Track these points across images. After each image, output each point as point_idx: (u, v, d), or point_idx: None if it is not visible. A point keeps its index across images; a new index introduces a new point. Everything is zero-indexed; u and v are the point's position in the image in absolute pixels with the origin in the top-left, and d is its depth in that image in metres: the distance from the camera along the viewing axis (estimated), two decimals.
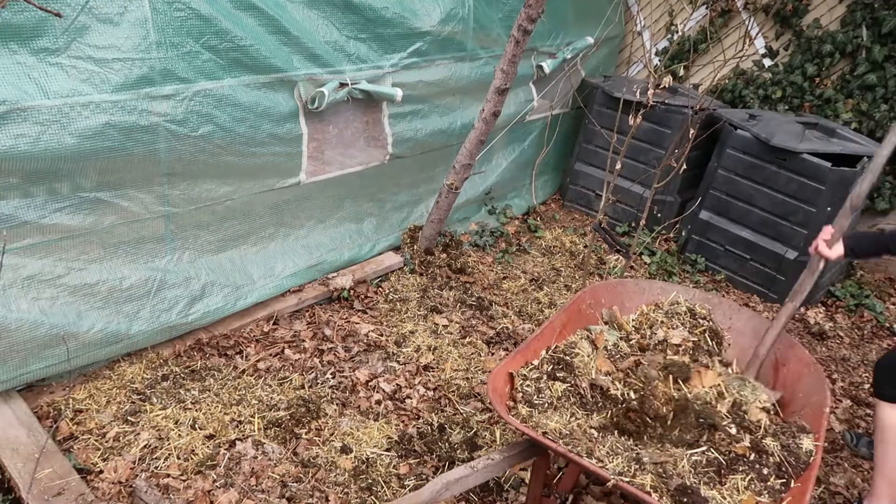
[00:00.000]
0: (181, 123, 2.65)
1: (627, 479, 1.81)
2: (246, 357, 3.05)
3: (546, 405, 2.06)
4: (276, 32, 2.92)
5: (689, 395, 2.08)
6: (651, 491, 1.78)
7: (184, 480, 2.39)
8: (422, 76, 3.66)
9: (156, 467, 2.42)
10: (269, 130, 3.00)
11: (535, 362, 2.22)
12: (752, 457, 1.95)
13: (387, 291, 3.67)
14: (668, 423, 2.01)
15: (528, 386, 2.11)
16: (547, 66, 4.47)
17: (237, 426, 2.65)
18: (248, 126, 2.91)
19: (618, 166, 3.57)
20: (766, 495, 1.86)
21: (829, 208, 3.77)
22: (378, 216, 3.90)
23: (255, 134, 2.95)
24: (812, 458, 1.94)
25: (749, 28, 4.79)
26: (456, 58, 3.83)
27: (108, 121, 2.41)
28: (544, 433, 1.94)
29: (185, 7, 2.56)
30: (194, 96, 2.67)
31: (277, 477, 2.45)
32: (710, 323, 2.49)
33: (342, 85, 3.21)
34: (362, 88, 3.29)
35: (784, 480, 1.90)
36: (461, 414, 2.88)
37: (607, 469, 1.84)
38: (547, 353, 2.27)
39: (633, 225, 4.63)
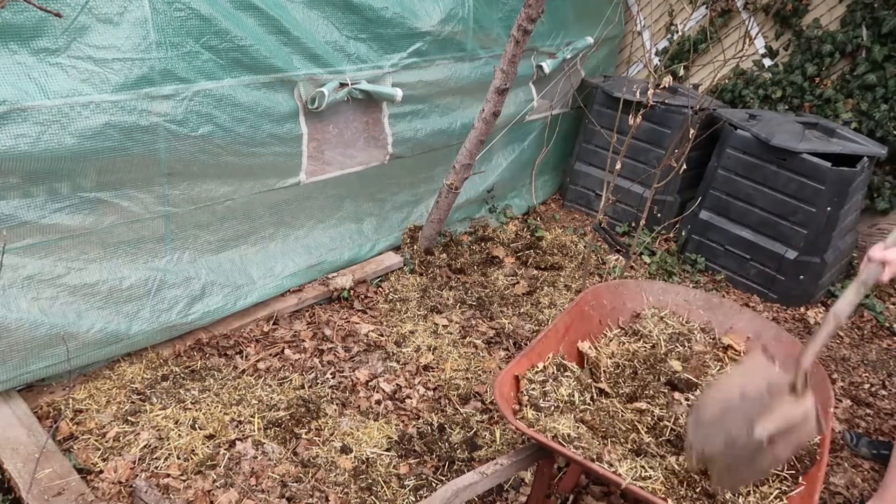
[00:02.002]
0: (181, 123, 2.65)
1: (640, 485, 1.80)
2: (246, 357, 3.05)
3: (552, 408, 2.06)
4: (276, 32, 2.92)
5: None
6: (665, 497, 1.78)
7: (184, 480, 2.39)
8: (422, 76, 3.66)
9: (156, 467, 2.42)
10: (269, 130, 3.00)
11: (541, 365, 2.21)
12: None
13: (387, 291, 3.67)
14: None
15: (533, 389, 2.10)
16: (547, 66, 4.47)
17: (237, 426, 2.65)
18: (248, 126, 2.91)
19: (618, 166, 3.57)
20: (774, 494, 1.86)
21: (828, 208, 3.77)
22: (378, 216, 3.90)
23: (255, 134, 2.95)
24: (819, 454, 1.94)
25: (749, 28, 4.79)
26: (456, 58, 3.83)
27: (108, 121, 2.41)
28: (554, 437, 1.93)
29: (185, 7, 2.55)
30: (194, 96, 2.67)
31: (277, 477, 2.45)
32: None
33: (342, 85, 3.21)
34: (362, 88, 3.29)
35: (791, 474, 1.91)
36: (461, 414, 2.88)
37: (619, 474, 1.83)
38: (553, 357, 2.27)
39: (633, 225, 4.63)
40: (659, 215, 4.41)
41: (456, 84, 3.88)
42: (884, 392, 3.39)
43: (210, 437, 2.59)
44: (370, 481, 2.48)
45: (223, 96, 2.77)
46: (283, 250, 3.38)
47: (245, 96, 2.85)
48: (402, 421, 2.83)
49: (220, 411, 2.69)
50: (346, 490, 2.43)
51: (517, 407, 2.07)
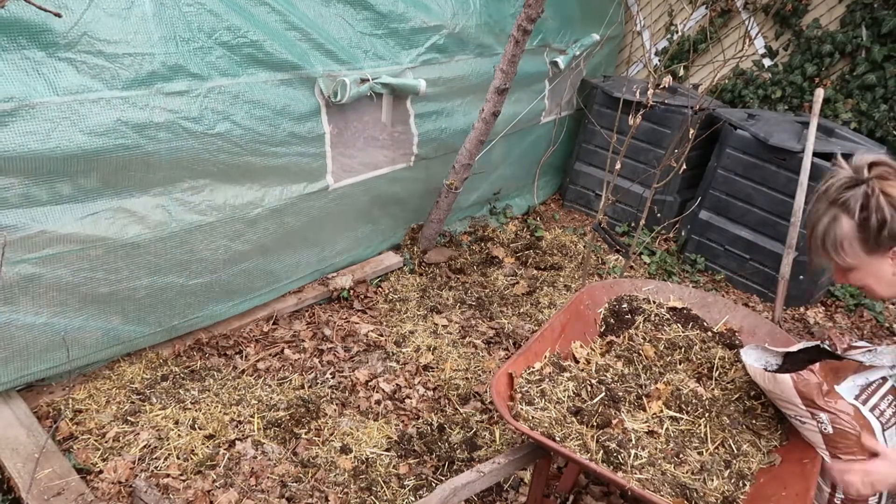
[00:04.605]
0: (196, 121, 2.60)
1: (640, 486, 1.80)
2: (245, 357, 3.05)
3: (550, 407, 2.06)
4: (291, 29, 2.92)
5: None
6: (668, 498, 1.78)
7: (183, 480, 2.39)
8: (442, 72, 3.65)
9: (155, 467, 2.42)
10: (289, 129, 2.95)
11: (538, 365, 2.22)
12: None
13: (386, 291, 3.67)
14: None
15: (529, 388, 2.11)
16: (561, 61, 4.49)
17: (237, 426, 2.65)
18: (269, 125, 2.86)
19: (617, 166, 3.57)
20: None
21: None
22: (395, 217, 3.87)
23: (275, 133, 2.89)
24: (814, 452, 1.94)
25: (749, 28, 4.80)
26: (476, 53, 3.84)
27: (120, 117, 2.37)
28: (551, 436, 1.93)
29: (197, 3, 2.56)
30: (209, 93, 2.63)
31: (277, 477, 2.45)
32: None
33: (363, 80, 3.20)
34: (384, 82, 3.27)
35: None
36: (461, 414, 2.88)
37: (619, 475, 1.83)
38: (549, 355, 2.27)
39: (633, 225, 4.64)
40: (659, 215, 4.42)
41: (477, 80, 3.88)
42: None
43: (210, 437, 2.59)
44: (370, 481, 2.48)
45: (239, 93, 2.73)
46: (295, 259, 3.34)
47: (264, 94, 2.82)
48: (402, 421, 2.83)
49: (220, 411, 2.69)
50: (345, 490, 2.43)
51: (511, 404, 2.08)
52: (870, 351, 1.97)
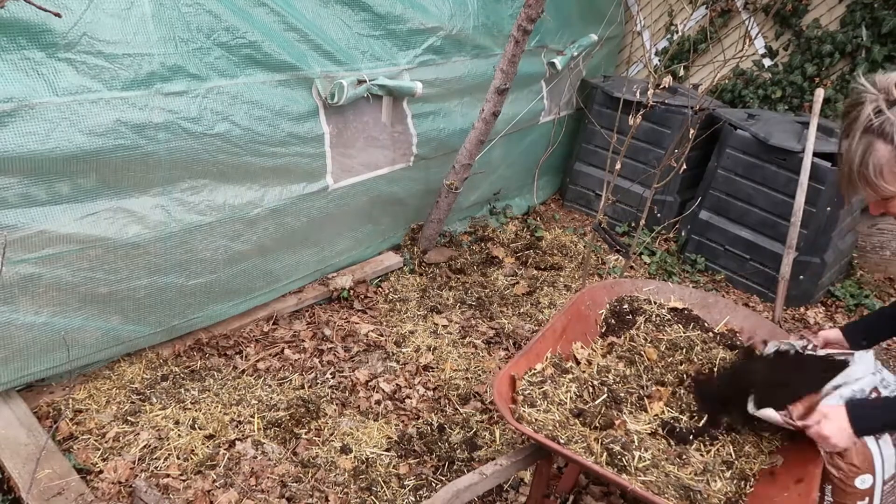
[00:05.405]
0: (195, 121, 2.60)
1: (645, 488, 1.80)
2: (246, 357, 3.05)
3: (553, 409, 2.06)
4: (290, 30, 2.92)
5: None
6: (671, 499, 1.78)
7: (183, 480, 2.39)
8: (439, 73, 3.66)
9: (155, 467, 2.42)
10: (288, 130, 2.95)
11: (539, 367, 2.21)
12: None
13: (386, 291, 3.67)
14: None
15: (531, 390, 2.10)
16: (558, 62, 4.49)
17: (237, 426, 2.65)
18: (268, 125, 2.85)
19: (617, 166, 3.57)
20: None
21: (828, 208, 3.77)
22: (394, 216, 3.87)
23: (274, 133, 2.89)
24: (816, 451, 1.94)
25: (749, 28, 4.80)
26: (473, 55, 3.84)
27: (119, 118, 2.37)
28: (555, 438, 1.93)
29: (195, 4, 2.56)
30: (207, 93, 2.63)
31: (277, 477, 2.45)
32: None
33: (360, 82, 3.20)
34: (381, 84, 3.28)
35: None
36: (461, 414, 2.88)
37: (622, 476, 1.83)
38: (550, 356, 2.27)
39: (633, 225, 4.63)
40: (659, 215, 4.41)
41: (474, 82, 3.88)
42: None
43: (210, 437, 2.59)
44: (370, 481, 2.48)
45: (238, 94, 2.73)
46: (295, 259, 3.33)
47: (261, 94, 2.82)
48: (402, 421, 2.83)
49: (220, 411, 2.69)
50: (345, 490, 2.43)
51: (513, 406, 2.07)
52: (848, 356, 1.96)
